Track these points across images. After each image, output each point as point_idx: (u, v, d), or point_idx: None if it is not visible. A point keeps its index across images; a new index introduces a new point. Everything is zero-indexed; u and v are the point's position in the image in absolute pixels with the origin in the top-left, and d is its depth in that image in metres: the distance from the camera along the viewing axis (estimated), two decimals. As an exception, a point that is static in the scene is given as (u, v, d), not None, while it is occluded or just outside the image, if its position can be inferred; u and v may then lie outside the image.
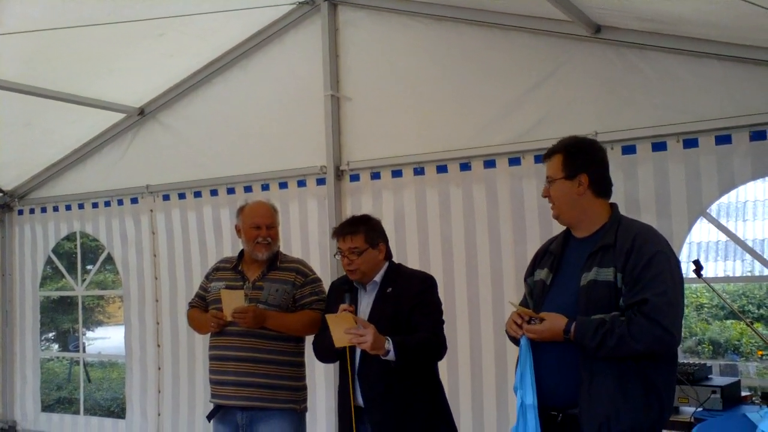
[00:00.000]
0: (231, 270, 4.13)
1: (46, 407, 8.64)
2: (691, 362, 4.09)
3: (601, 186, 3.01)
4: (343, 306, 3.44)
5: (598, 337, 2.70)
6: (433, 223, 5.46)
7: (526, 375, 2.88)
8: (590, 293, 2.82)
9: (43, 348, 9.85)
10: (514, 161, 5.13)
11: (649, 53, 4.66)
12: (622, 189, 4.59)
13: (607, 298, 2.79)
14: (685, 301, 2.94)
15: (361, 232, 3.62)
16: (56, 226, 7.64)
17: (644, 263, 2.75)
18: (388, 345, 3.33)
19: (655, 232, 2.96)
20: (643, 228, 2.96)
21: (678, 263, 2.90)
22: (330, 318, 3.47)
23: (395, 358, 3.34)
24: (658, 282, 2.73)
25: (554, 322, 2.82)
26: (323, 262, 5.78)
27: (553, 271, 3.04)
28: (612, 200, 3.10)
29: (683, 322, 2.90)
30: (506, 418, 5.11)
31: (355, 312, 3.51)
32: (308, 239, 6.01)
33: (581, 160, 3.00)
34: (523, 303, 3.17)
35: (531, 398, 2.85)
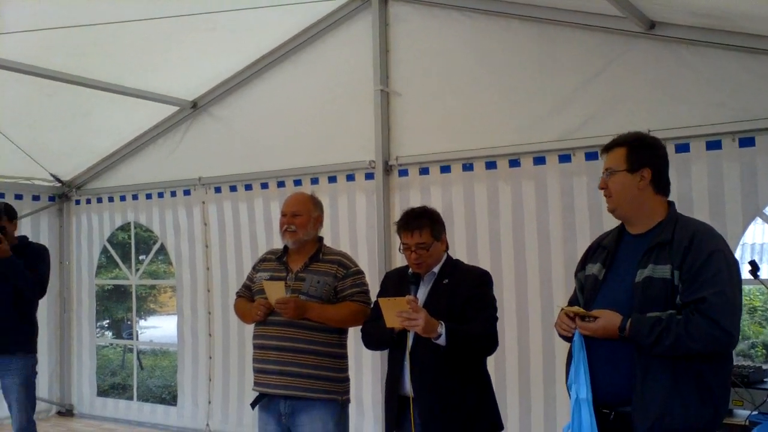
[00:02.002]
0: (275, 261, 4.19)
1: (102, 392, 8.86)
2: (746, 365, 4.01)
3: (662, 182, 2.97)
4: (409, 297, 3.46)
5: (654, 335, 2.67)
6: (481, 219, 5.46)
7: (579, 370, 2.85)
8: (646, 290, 2.78)
9: (97, 335, 10.10)
10: (565, 158, 5.10)
11: (703, 50, 4.58)
12: (675, 188, 4.43)
13: (664, 295, 2.75)
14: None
15: (427, 226, 3.62)
16: (111, 216, 7.84)
17: (702, 261, 2.71)
18: (441, 329, 3.34)
19: (713, 230, 2.90)
20: (702, 226, 2.90)
21: (736, 263, 2.83)
22: (383, 301, 3.50)
23: (446, 342, 3.36)
24: (716, 281, 2.68)
25: (609, 320, 2.79)
26: (371, 256, 5.84)
27: (606, 267, 3.00)
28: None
29: (737, 323, 2.85)
30: (554, 414, 5.10)
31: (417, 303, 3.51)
32: (356, 233, 6.06)
33: (646, 154, 2.95)
34: (573, 298, 3.14)
35: (585, 392, 2.82)
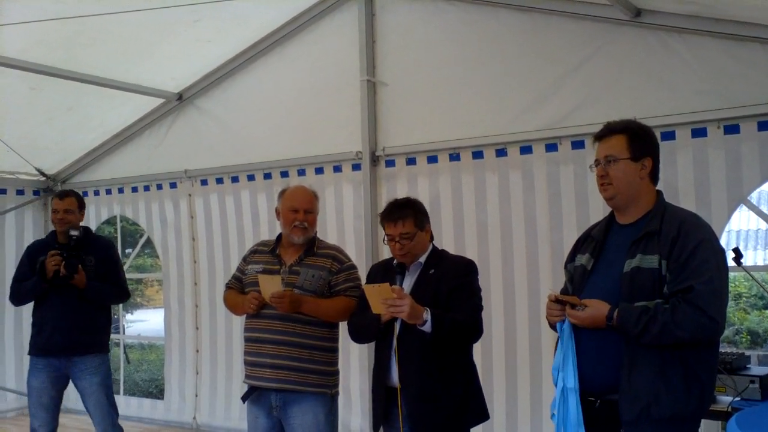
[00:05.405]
0: (268, 253, 4.15)
1: (87, 387, 8.80)
2: (729, 351, 4.02)
3: (657, 172, 2.98)
4: (394, 287, 3.45)
5: (642, 324, 2.68)
6: (468, 209, 5.46)
7: (568, 359, 2.86)
8: (634, 280, 2.79)
9: (84, 329, 10.02)
10: (551, 147, 5.10)
11: (689, 37, 4.59)
12: (661, 176, 4.48)
13: (651, 285, 2.76)
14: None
15: (410, 216, 3.62)
16: (97, 210, 7.77)
17: (690, 251, 2.71)
18: (426, 315, 3.35)
19: (700, 219, 2.90)
20: (689, 215, 2.91)
21: (723, 252, 2.84)
22: (368, 288, 3.49)
23: (431, 329, 3.36)
24: (703, 270, 2.69)
25: (597, 308, 2.80)
26: (358, 247, 5.83)
27: (595, 257, 3.01)
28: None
29: (722, 311, 2.86)
30: (540, 402, 5.12)
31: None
32: (344, 224, 6.05)
33: (646, 144, 2.95)
34: (564, 290, 3.15)
35: (572, 382, 2.83)
